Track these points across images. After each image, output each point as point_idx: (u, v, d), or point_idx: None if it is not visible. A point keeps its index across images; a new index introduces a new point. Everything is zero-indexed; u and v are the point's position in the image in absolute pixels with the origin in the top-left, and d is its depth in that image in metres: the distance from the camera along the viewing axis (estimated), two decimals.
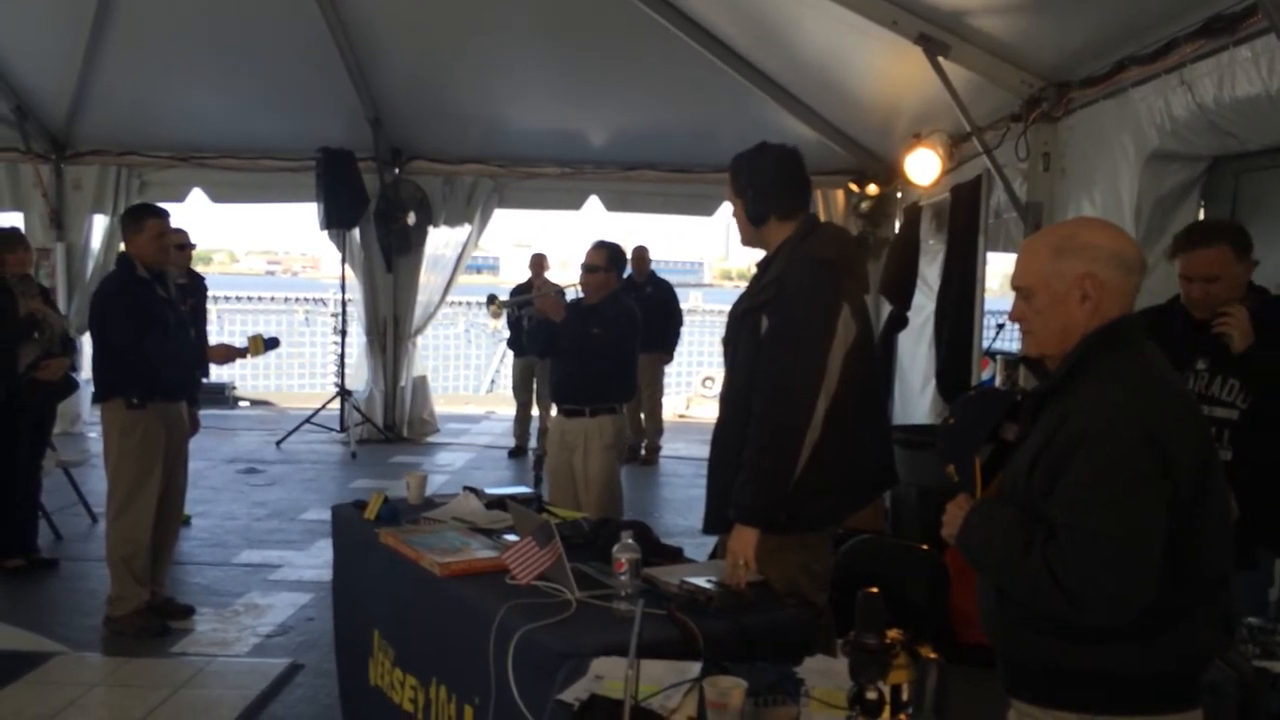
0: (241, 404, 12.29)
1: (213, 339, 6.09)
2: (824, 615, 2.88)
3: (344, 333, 10.14)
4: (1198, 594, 1.89)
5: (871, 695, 1.89)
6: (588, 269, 4.89)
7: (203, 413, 5.76)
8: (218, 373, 11.12)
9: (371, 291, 9.99)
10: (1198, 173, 4.44)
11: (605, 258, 4.88)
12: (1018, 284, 2.08)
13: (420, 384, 10.44)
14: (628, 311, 4.91)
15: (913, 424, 6.95)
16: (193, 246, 6.56)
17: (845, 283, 2.91)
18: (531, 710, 2.30)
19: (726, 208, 9.91)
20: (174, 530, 5.08)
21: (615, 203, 9.99)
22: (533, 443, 9.10)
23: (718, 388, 12.16)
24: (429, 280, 10.08)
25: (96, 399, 4.84)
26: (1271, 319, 3.36)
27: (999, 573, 1.97)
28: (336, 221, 9.38)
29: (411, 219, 9.75)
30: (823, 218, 8.61)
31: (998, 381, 7.40)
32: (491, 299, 6.05)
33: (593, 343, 4.71)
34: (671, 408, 11.51)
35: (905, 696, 1.94)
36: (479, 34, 7.90)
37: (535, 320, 5.06)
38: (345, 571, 3.68)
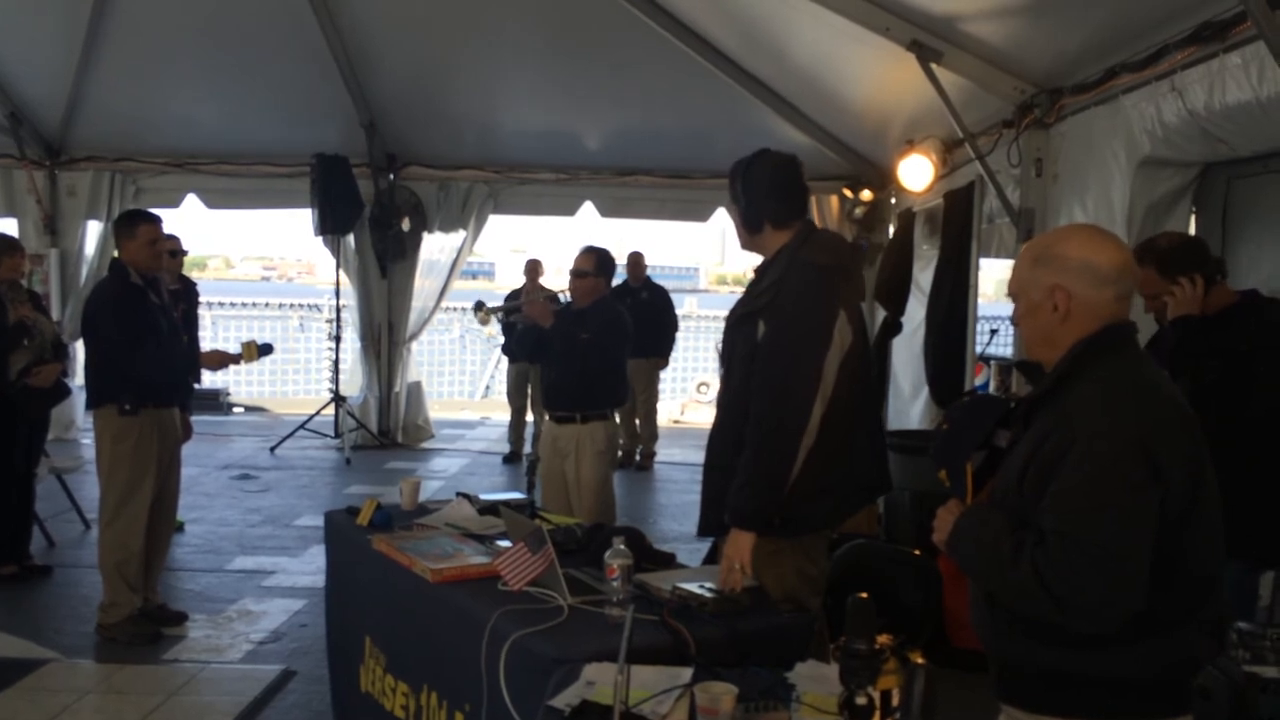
0: (236, 410, 12.27)
1: (207, 345, 6.09)
2: (818, 620, 2.89)
3: (339, 338, 10.13)
4: (1188, 600, 1.90)
5: (861, 700, 1.90)
6: (576, 274, 4.89)
7: (197, 418, 5.77)
8: (212, 378, 11.15)
9: (366, 297, 9.99)
10: (1189, 179, 4.46)
11: (594, 263, 4.88)
12: (1009, 289, 2.11)
13: (415, 389, 10.44)
14: (617, 316, 4.91)
15: (906, 429, 6.97)
16: (185, 253, 6.55)
17: (842, 289, 2.93)
18: (523, 716, 2.30)
19: (722, 213, 9.96)
20: (167, 536, 5.07)
21: (610, 208, 10.02)
22: (527, 448, 9.09)
23: (713, 393, 12.16)
24: (424, 286, 10.09)
25: (89, 405, 4.83)
26: (1265, 321, 3.39)
27: (988, 578, 1.97)
28: (331, 227, 9.37)
29: (406, 225, 9.76)
30: (817, 224, 8.63)
31: (991, 387, 7.42)
32: (479, 306, 5.96)
33: (582, 348, 4.71)
34: (667, 413, 11.52)
35: (895, 702, 1.95)
36: (474, 40, 7.92)
37: (524, 326, 5.07)
38: (338, 577, 3.68)
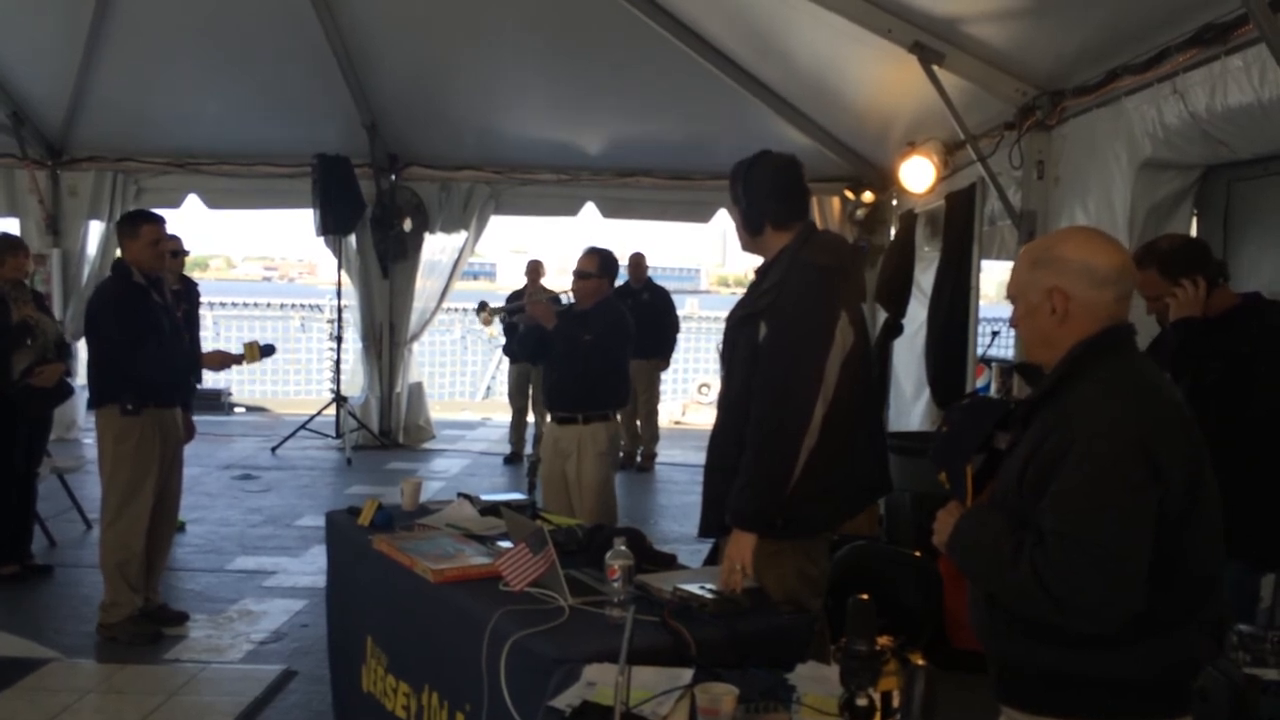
0: (237, 410, 12.28)
1: (209, 345, 6.10)
2: (818, 621, 2.89)
3: (340, 339, 10.14)
4: (1188, 600, 1.90)
5: (862, 702, 1.90)
6: (579, 275, 4.90)
7: (198, 418, 5.76)
8: (213, 379, 11.16)
9: (368, 297, 10.00)
10: (1190, 181, 4.46)
11: (597, 264, 4.89)
12: (1007, 292, 2.11)
13: (416, 390, 10.44)
14: (619, 317, 4.91)
15: (907, 430, 6.97)
16: (186, 254, 6.56)
17: (843, 290, 2.93)
18: (524, 717, 2.31)
19: (723, 214, 9.95)
20: (168, 536, 5.08)
21: (611, 209, 10.02)
22: (528, 449, 9.10)
23: (713, 394, 12.15)
24: (425, 286, 10.09)
25: (91, 405, 4.84)
26: (1266, 324, 3.40)
27: (988, 579, 1.97)
28: (333, 227, 9.38)
29: (408, 225, 9.76)
30: (818, 225, 8.65)
31: (993, 388, 7.42)
32: (482, 306, 5.97)
33: (585, 349, 4.71)
34: (667, 414, 11.52)
35: (895, 703, 1.95)
36: (475, 40, 7.92)
37: (526, 327, 5.07)
38: (339, 578, 3.68)
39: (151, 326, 4.68)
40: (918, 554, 4.75)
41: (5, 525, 5.58)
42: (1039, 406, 2.01)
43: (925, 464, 2.39)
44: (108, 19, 7.83)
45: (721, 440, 3.02)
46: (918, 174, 6.58)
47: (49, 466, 6.30)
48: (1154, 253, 3.45)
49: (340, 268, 9.92)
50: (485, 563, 2.90)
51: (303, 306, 16.00)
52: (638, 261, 9.23)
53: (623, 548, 2.59)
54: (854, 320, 2.91)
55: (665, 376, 10.35)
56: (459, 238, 10.00)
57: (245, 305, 16.01)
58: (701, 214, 9.94)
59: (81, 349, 7.75)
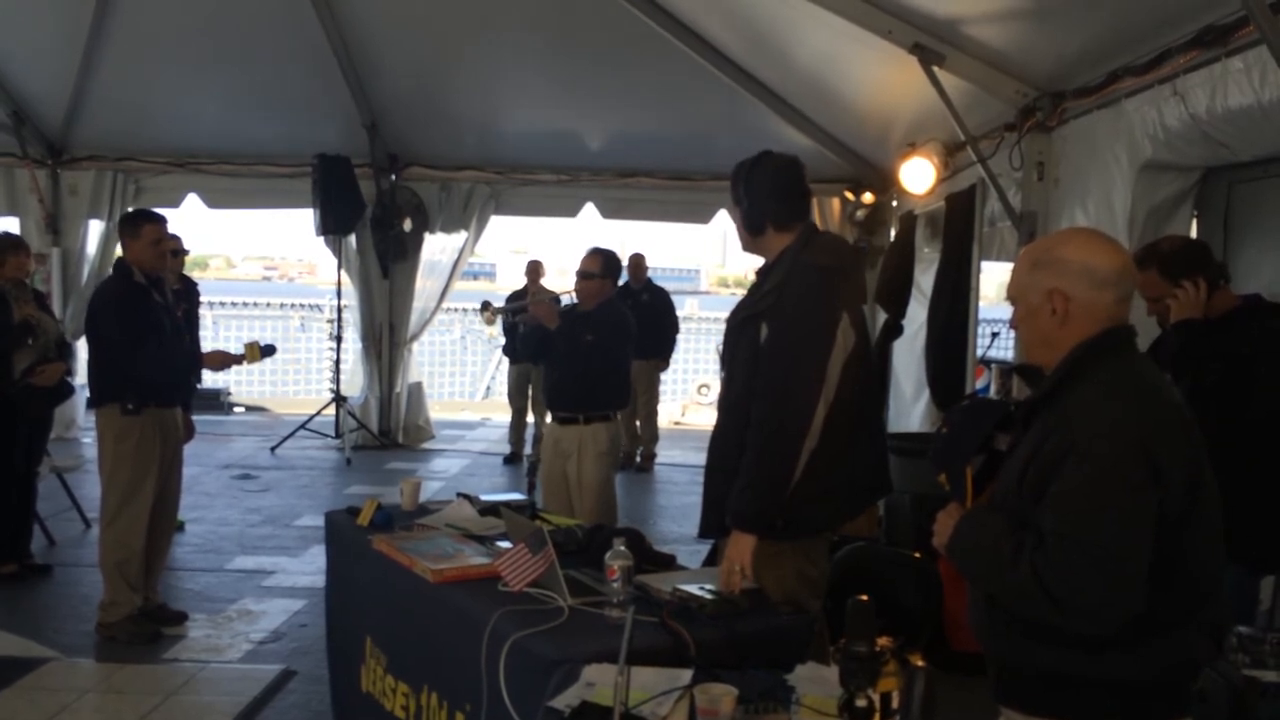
0: (236, 409, 12.28)
1: (209, 345, 6.10)
2: (818, 621, 2.89)
3: (339, 338, 10.15)
4: (1188, 601, 1.90)
5: (861, 703, 1.91)
6: (583, 275, 4.90)
7: (197, 418, 5.76)
8: (213, 378, 11.18)
9: (367, 297, 10.00)
10: (1190, 183, 4.47)
11: (600, 264, 4.90)
12: (1007, 294, 2.11)
13: (416, 390, 10.44)
14: (621, 318, 4.92)
15: (907, 431, 6.97)
16: (186, 253, 6.56)
17: (844, 291, 2.93)
18: (523, 717, 2.31)
19: (723, 215, 9.96)
20: (168, 536, 5.08)
21: (611, 210, 10.02)
22: (528, 449, 9.10)
23: (713, 395, 12.16)
24: (425, 286, 10.10)
25: (91, 404, 4.84)
26: (1267, 326, 3.40)
27: (988, 580, 1.97)
28: (333, 227, 9.38)
29: (408, 225, 9.76)
30: (819, 226, 8.65)
31: (992, 390, 7.42)
32: (485, 305, 6.01)
33: (586, 349, 4.72)
34: (667, 415, 11.53)
35: (894, 704, 1.95)
36: (476, 41, 7.93)
37: (528, 326, 5.07)
38: (338, 578, 3.68)
39: (152, 326, 4.68)
40: (917, 555, 4.75)
41: (5, 524, 5.57)
42: (1039, 408, 2.01)
43: (925, 465, 2.39)
44: (108, 19, 7.83)
45: (722, 441, 3.02)
46: (918, 175, 6.58)
47: (49, 466, 6.30)
48: (1155, 254, 3.45)
49: (340, 268, 9.92)
50: (485, 563, 2.90)
51: (303, 306, 16.04)
52: (638, 262, 9.23)
53: (622, 548, 2.59)
54: (855, 322, 2.91)
55: (665, 377, 10.35)
56: (459, 238, 10.00)
57: (245, 305, 16.05)
58: (701, 214, 9.94)
59: (82, 348, 7.75)
